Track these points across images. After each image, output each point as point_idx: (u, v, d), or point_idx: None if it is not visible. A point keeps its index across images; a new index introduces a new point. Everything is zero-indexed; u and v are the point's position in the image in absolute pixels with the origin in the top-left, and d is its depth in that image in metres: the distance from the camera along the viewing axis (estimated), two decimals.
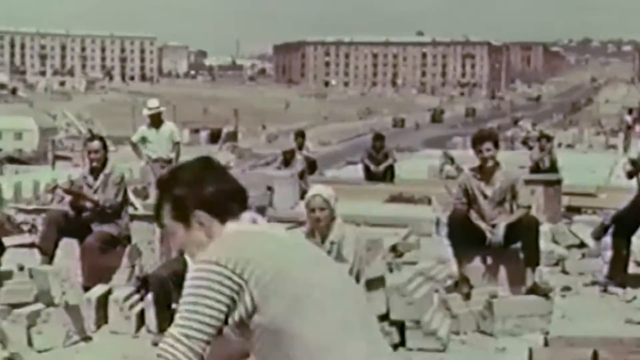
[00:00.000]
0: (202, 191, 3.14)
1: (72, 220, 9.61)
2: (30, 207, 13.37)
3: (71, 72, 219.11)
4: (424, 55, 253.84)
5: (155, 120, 14.98)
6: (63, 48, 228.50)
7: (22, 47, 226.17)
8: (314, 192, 7.09)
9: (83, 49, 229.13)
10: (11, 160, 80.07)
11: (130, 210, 10.02)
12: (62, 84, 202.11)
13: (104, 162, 9.82)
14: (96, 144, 9.89)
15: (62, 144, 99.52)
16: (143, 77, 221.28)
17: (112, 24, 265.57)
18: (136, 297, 8.70)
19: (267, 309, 2.96)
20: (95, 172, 9.78)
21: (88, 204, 9.61)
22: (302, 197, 15.35)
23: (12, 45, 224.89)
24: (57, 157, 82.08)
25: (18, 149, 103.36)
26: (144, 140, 15.02)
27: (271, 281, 2.97)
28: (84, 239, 9.47)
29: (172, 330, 3.00)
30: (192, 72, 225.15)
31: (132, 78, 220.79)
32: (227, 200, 3.17)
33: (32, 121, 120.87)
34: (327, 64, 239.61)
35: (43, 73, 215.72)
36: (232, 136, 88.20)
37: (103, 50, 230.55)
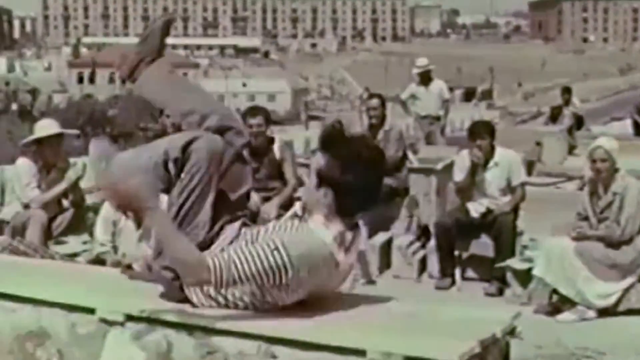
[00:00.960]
0: None
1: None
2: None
3: (322, 33, 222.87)
4: None
5: (425, 78, 15.39)
6: (314, 11, 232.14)
7: (274, 11, 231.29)
8: (597, 143, 7.26)
9: (334, 11, 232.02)
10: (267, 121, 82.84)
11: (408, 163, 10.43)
12: (314, 45, 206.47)
13: (382, 119, 10.31)
14: (375, 101, 10.40)
15: (314, 104, 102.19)
16: (395, 37, 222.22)
17: None
18: (417, 244, 9.19)
19: None
20: (374, 128, 10.27)
21: None
22: (570, 152, 15.50)
23: (264, 10, 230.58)
24: (310, 117, 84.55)
25: (271, 110, 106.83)
26: (413, 97, 15.47)
27: None
28: None
29: None
30: (446, 31, 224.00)
31: (383, 38, 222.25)
32: None
33: (285, 83, 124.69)
34: (585, 20, 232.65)
35: (294, 36, 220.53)
36: (487, 94, 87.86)
37: (354, 11, 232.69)
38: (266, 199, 8.42)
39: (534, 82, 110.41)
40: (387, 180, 10.01)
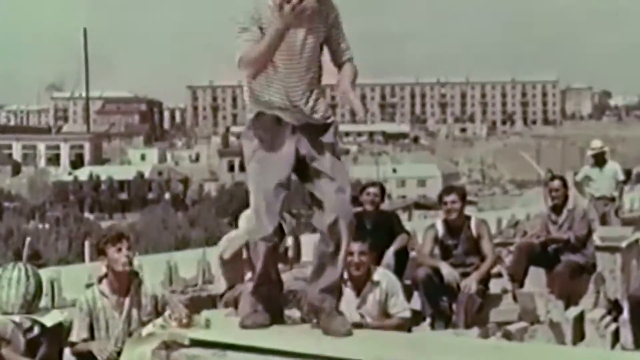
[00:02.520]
0: None
1: (541, 251, 10.72)
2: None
3: (472, 118, 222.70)
4: None
5: (599, 160, 15.89)
6: (463, 95, 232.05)
7: (423, 96, 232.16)
8: None
9: (483, 95, 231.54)
10: (417, 206, 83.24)
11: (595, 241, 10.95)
12: (463, 130, 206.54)
13: (564, 199, 10.88)
14: (557, 183, 11.00)
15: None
16: (545, 121, 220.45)
17: (513, 69, 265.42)
18: (609, 317, 9.64)
19: None
20: (557, 208, 10.85)
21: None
22: None
23: (412, 96, 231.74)
24: None
25: (422, 195, 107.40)
26: (587, 179, 15.95)
27: None
28: (552, 268, 10.55)
29: None
30: (598, 112, 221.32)
31: (534, 122, 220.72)
32: None
33: (435, 168, 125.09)
34: None
35: (444, 121, 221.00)
36: None
37: (503, 95, 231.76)
38: (464, 275, 9.05)
39: None
40: (574, 257, 10.54)
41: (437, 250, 9.42)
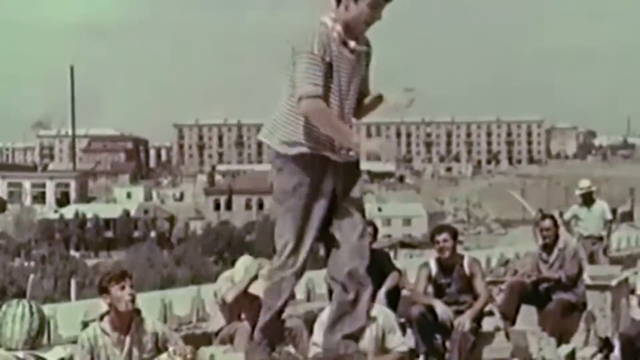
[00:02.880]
0: None
1: (533, 289, 10.84)
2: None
3: (457, 157, 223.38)
4: None
5: (588, 199, 16.08)
6: (448, 135, 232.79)
7: (408, 135, 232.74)
8: None
9: (468, 135, 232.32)
10: (403, 245, 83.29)
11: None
12: (449, 169, 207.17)
13: (555, 238, 11.02)
14: (547, 222, 11.13)
15: None
16: (531, 160, 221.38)
17: (498, 108, 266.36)
18: (600, 355, 9.77)
19: None
20: (548, 247, 10.99)
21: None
22: None
23: (398, 135, 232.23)
24: None
25: (407, 234, 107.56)
26: (576, 218, 16.11)
27: None
28: (543, 306, 10.66)
29: None
30: (583, 152, 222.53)
31: (519, 161, 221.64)
32: None
33: (420, 207, 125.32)
34: None
35: (429, 160, 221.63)
36: (628, 216, 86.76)
37: (489, 134, 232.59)
38: (458, 313, 9.16)
39: None
40: (565, 296, 10.66)
41: (430, 289, 9.51)
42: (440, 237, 9.24)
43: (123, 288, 6.77)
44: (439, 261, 9.42)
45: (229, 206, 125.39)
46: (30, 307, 6.46)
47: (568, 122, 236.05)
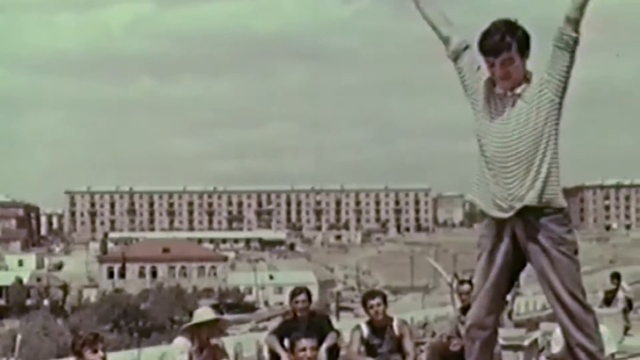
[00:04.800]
0: None
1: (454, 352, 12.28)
2: None
3: (346, 225, 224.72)
4: None
5: None
6: (338, 203, 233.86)
7: (298, 204, 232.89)
8: None
9: (357, 203, 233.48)
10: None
11: None
12: (338, 237, 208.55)
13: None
14: (466, 287, 12.07)
15: (340, 296, 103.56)
16: (418, 228, 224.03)
17: (386, 177, 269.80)
18: None
19: None
20: (466, 310, 12.23)
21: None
22: (625, 332, 17.28)
23: (288, 203, 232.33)
24: (340, 308, 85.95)
25: None
26: None
27: None
28: None
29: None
30: (469, 220, 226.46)
31: (407, 229, 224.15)
32: None
33: (311, 275, 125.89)
34: (607, 207, 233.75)
35: (319, 228, 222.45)
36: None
37: (377, 203, 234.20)
38: None
39: None
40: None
41: (362, 349, 10.36)
42: (374, 302, 10.15)
43: (95, 351, 7.03)
44: (370, 323, 10.30)
45: (122, 274, 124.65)
46: None
47: (454, 191, 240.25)
